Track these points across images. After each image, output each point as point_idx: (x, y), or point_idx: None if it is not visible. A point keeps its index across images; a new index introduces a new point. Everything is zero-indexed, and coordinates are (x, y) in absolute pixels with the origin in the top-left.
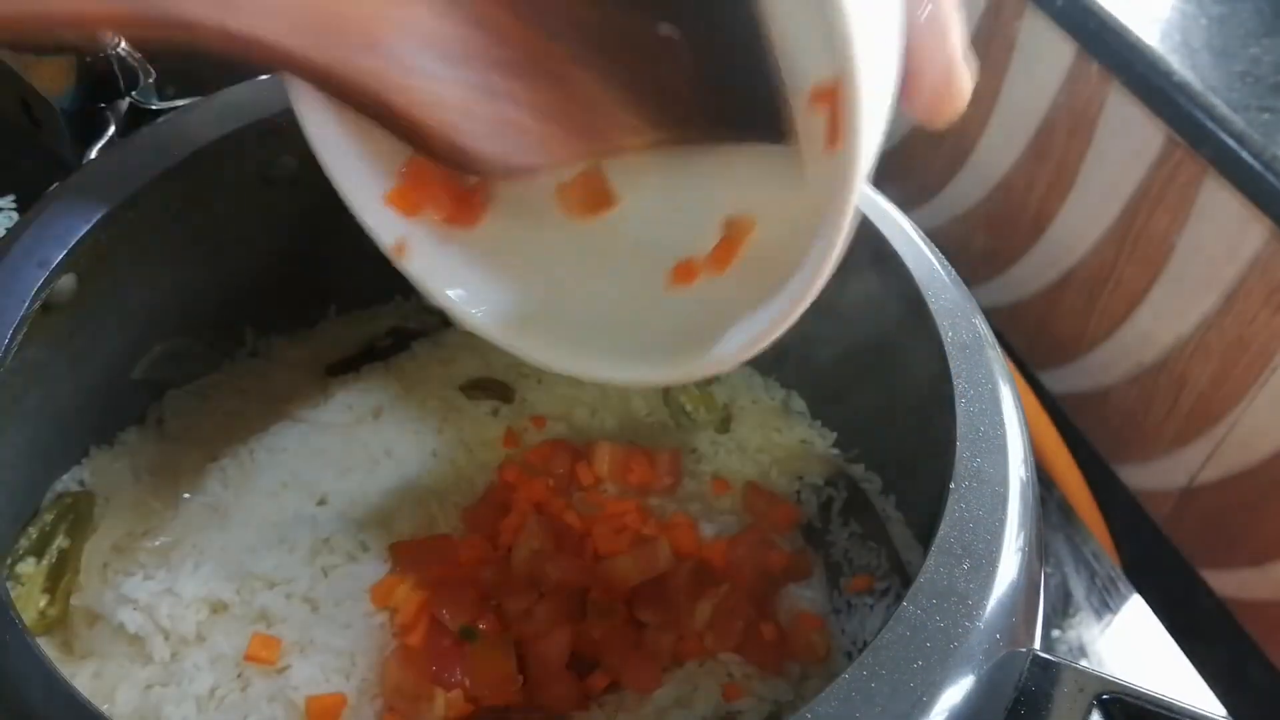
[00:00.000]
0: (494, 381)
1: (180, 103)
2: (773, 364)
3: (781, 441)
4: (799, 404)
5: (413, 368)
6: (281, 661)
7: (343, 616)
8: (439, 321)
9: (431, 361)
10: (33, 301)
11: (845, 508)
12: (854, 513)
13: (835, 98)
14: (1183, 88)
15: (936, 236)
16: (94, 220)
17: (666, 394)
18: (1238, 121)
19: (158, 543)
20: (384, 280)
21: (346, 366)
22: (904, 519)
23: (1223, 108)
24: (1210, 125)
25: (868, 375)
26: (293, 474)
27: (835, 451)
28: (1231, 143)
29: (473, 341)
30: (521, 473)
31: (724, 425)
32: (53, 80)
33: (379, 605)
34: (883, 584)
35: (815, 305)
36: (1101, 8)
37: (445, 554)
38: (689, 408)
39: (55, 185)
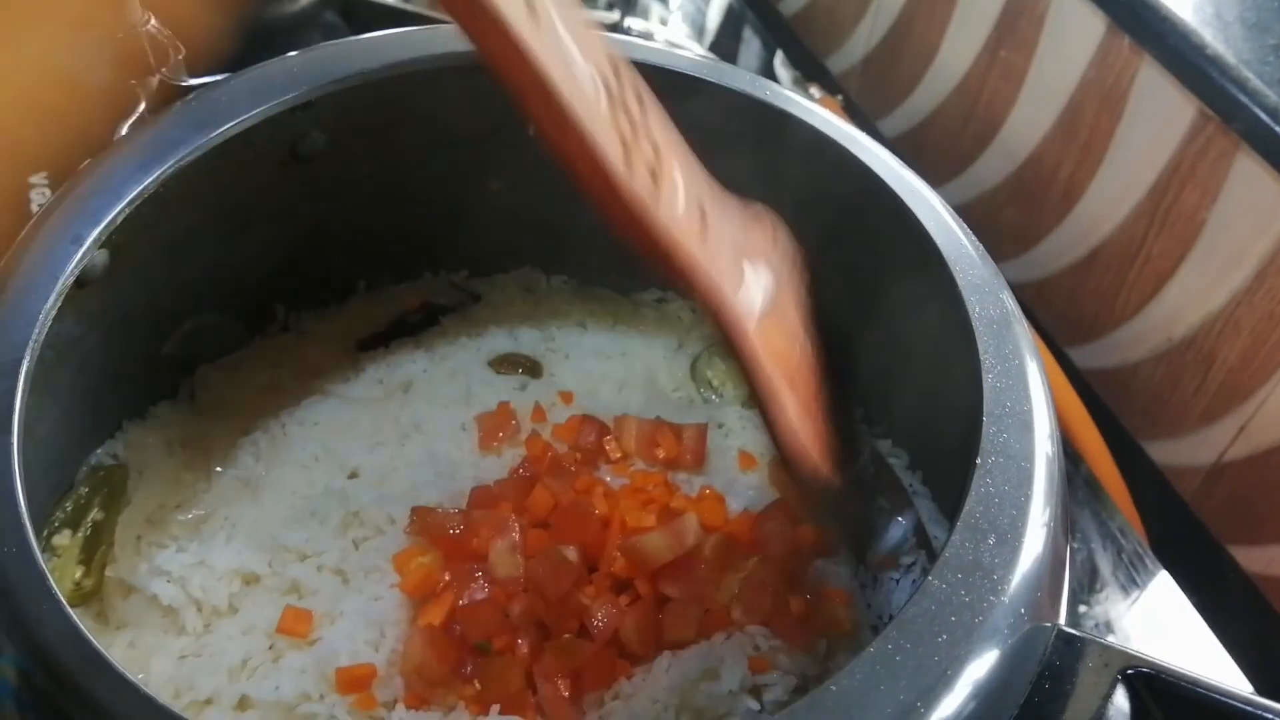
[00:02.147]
0: (522, 357)
1: (210, 79)
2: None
3: None
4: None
5: (442, 343)
6: (313, 634)
7: (372, 589)
8: (468, 297)
9: (460, 336)
10: (66, 277)
11: (872, 482)
12: (881, 488)
13: None
14: (1215, 61)
15: (965, 212)
16: (126, 196)
17: (693, 369)
18: (1271, 96)
19: (190, 515)
20: (414, 256)
21: (377, 341)
22: (930, 494)
23: (1256, 82)
24: (1243, 99)
25: (896, 350)
26: (324, 448)
27: (863, 427)
28: (1265, 117)
29: (501, 317)
30: (548, 447)
31: (750, 400)
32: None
33: (399, 573)
34: (908, 559)
35: (844, 280)
36: None
37: (463, 527)
38: (715, 382)
39: (87, 162)
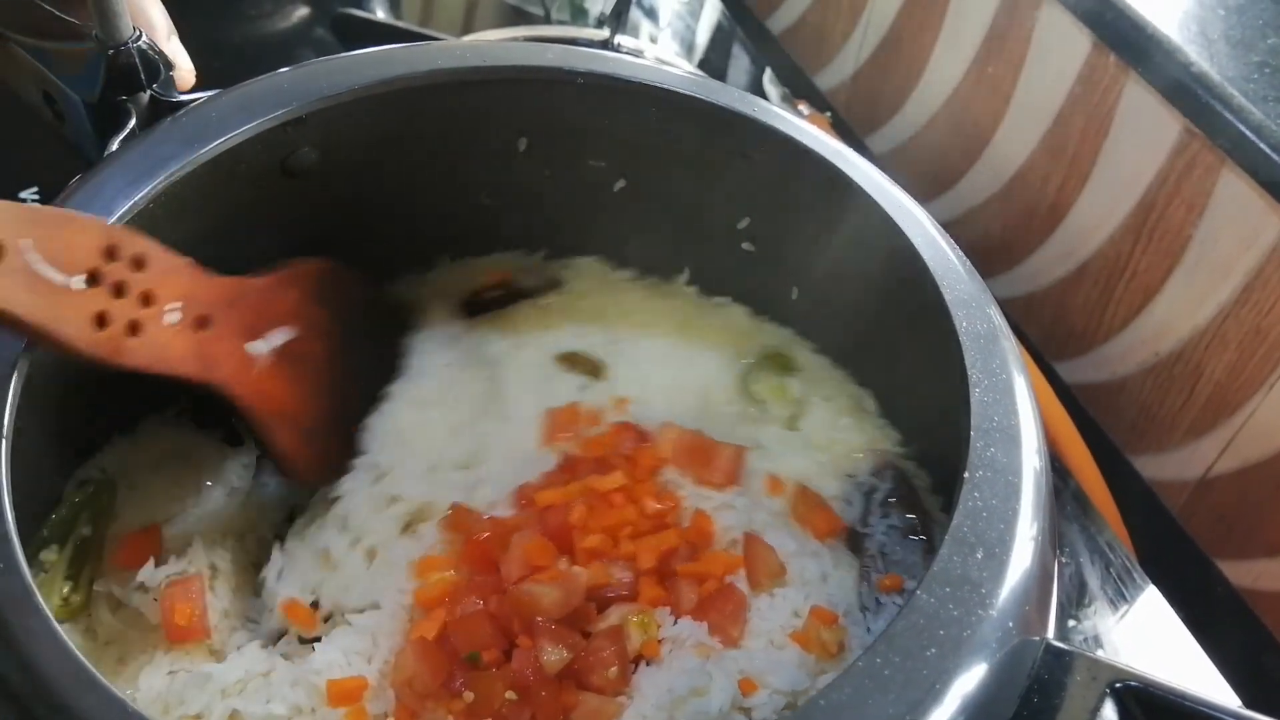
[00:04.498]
0: (586, 357)
1: (201, 95)
2: (850, 357)
3: (845, 440)
4: (870, 403)
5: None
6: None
7: (376, 591)
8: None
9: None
10: None
11: (886, 500)
12: (896, 507)
13: None
14: (1200, 79)
15: (952, 228)
16: (116, 212)
17: (743, 381)
18: (1255, 113)
19: (179, 529)
20: (410, 274)
21: None
22: (948, 521)
23: (1240, 99)
24: (1228, 116)
25: (895, 368)
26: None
27: (900, 450)
28: (1249, 134)
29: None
30: (599, 454)
31: (793, 422)
32: (75, 72)
33: (420, 577)
34: (914, 584)
35: (835, 296)
36: None
37: (492, 533)
38: (762, 397)
39: (78, 177)
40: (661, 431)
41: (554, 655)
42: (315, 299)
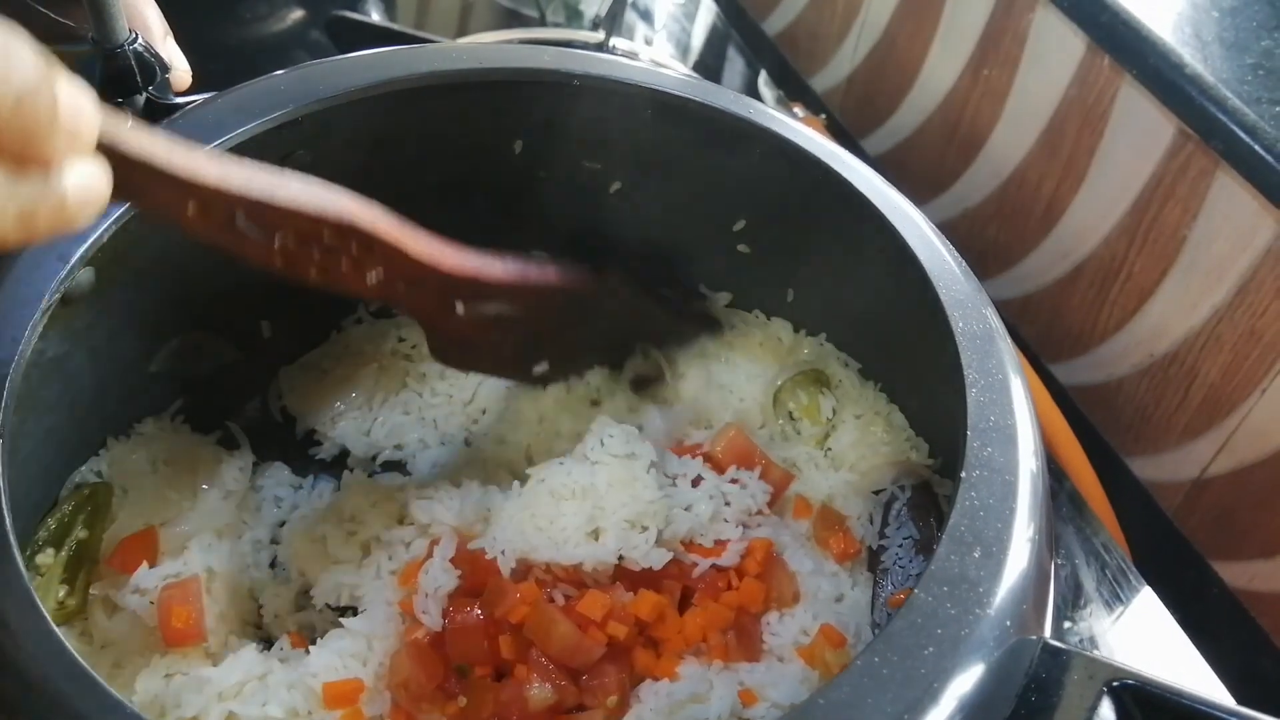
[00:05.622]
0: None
1: (196, 98)
2: (873, 368)
3: (873, 457)
4: (899, 418)
5: None
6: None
7: (367, 599)
8: None
9: None
10: (52, 294)
11: (905, 509)
12: (914, 517)
13: None
14: (1194, 80)
15: (949, 230)
16: (112, 214)
17: (776, 398)
18: (1249, 114)
19: (175, 532)
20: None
21: None
22: None
23: (1235, 101)
24: (1222, 118)
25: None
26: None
27: (928, 462)
28: (1243, 135)
29: None
30: None
31: (823, 441)
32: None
33: (403, 586)
34: None
35: (832, 298)
36: (1113, 1)
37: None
38: (796, 414)
39: None
40: (721, 432)
41: (540, 692)
42: (553, 303)
